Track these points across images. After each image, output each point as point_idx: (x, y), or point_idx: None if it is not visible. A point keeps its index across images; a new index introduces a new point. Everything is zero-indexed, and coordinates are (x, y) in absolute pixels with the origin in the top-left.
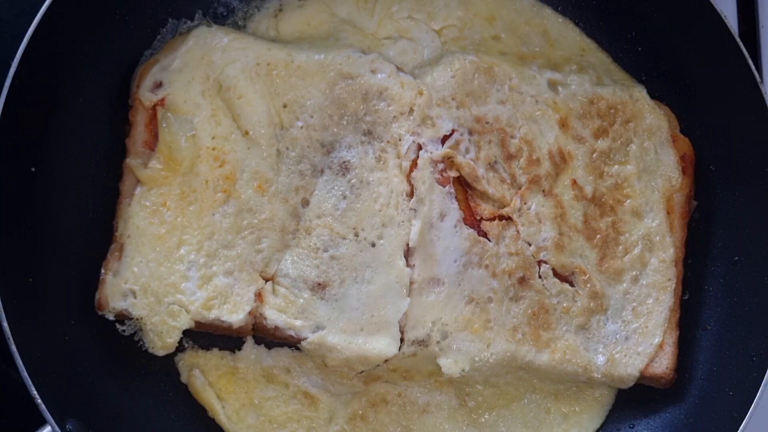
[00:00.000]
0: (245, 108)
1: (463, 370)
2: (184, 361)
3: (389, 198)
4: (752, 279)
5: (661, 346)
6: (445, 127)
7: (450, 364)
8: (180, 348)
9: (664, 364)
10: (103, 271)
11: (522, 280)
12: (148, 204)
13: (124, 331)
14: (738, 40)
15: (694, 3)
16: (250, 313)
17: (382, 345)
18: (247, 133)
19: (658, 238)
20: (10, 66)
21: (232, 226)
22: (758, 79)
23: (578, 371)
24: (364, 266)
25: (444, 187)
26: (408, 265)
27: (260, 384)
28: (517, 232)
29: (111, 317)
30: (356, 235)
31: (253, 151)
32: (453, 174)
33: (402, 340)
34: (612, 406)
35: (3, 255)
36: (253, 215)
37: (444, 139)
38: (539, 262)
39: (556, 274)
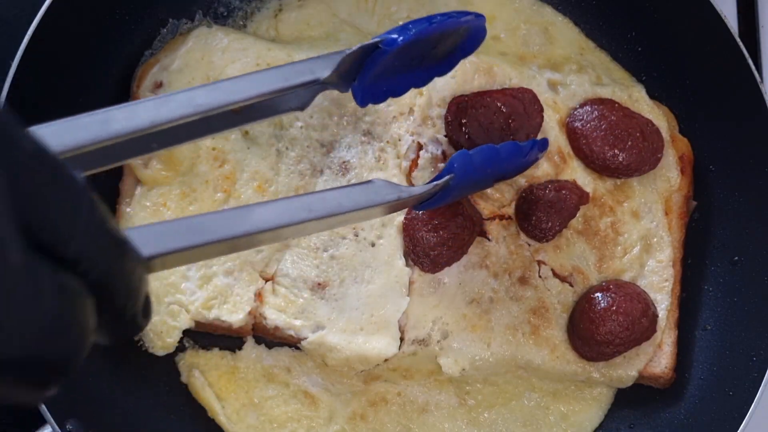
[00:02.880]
0: None
1: (463, 370)
2: (184, 361)
3: None
4: (752, 279)
5: (659, 345)
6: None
7: (450, 364)
8: (180, 348)
9: (662, 364)
10: None
11: (522, 280)
12: (148, 204)
13: None
14: (738, 40)
15: (694, 3)
16: (250, 313)
17: (382, 344)
18: (247, 133)
19: (656, 239)
20: (10, 66)
21: None
22: (758, 79)
23: (577, 371)
24: (363, 266)
25: None
26: (408, 264)
27: (260, 384)
28: (517, 231)
29: None
30: (356, 234)
31: (253, 151)
32: None
33: (402, 339)
34: (611, 406)
35: None
36: None
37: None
38: (539, 262)
39: (555, 274)
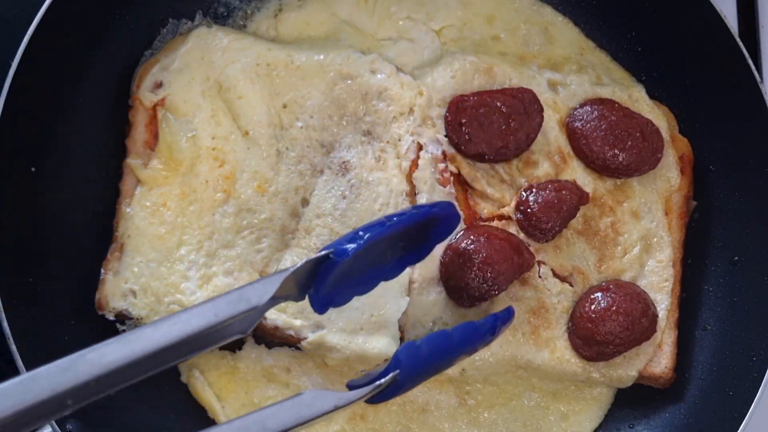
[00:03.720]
0: (245, 108)
1: (463, 370)
2: None
3: (389, 198)
4: (752, 279)
5: (659, 345)
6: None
7: None
8: None
9: (662, 364)
10: (103, 271)
11: (522, 280)
12: (148, 204)
13: (124, 330)
14: (738, 40)
15: (694, 3)
16: None
17: (382, 344)
18: (247, 133)
19: (656, 239)
20: (10, 66)
21: (232, 226)
22: (758, 79)
23: (577, 371)
24: None
25: (444, 187)
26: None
27: (260, 384)
28: (517, 231)
29: (111, 317)
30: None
31: (253, 151)
32: (453, 169)
33: (402, 339)
34: (611, 406)
35: (3, 255)
36: (253, 215)
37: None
38: (539, 262)
39: (555, 274)
